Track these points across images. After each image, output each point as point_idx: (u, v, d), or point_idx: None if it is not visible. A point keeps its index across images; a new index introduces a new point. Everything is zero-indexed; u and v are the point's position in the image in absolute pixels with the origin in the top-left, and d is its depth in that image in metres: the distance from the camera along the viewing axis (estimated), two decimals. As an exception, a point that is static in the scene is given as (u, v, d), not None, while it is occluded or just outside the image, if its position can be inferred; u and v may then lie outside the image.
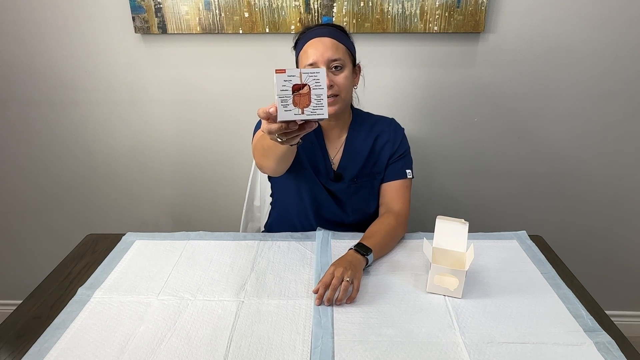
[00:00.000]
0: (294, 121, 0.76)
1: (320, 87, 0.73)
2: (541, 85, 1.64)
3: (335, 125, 1.27)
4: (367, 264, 1.07)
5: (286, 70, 0.71)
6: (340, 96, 1.16)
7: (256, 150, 1.12)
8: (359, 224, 1.28)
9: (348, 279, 0.98)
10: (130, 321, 0.94)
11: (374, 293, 1.02)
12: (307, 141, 1.25)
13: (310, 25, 1.22)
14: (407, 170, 1.28)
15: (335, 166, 1.28)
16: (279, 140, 0.83)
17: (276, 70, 0.73)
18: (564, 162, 1.75)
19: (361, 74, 1.26)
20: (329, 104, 1.12)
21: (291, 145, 0.88)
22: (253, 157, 1.16)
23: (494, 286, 1.04)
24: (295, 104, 0.72)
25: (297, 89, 0.72)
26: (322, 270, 1.09)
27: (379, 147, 1.27)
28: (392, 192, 1.26)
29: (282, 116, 0.72)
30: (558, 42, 1.57)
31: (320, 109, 0.73)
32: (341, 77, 1.15)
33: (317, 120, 0.76)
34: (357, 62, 1.24)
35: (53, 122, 1.74)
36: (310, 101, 0.73)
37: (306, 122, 0.78)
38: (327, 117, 0.75)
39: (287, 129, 0.77)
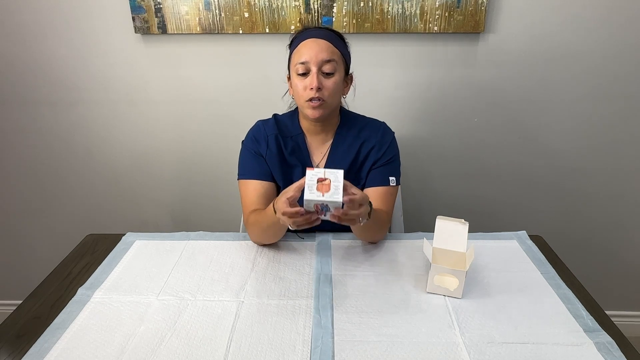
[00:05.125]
0: (314, 212, 0.97)
1: (338, 180, 0.94)
2: (541, 85, 1.64)
3: (321, 131, 1.24)
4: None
5: (314, 168, 0.96)
6: (326, 102, 1.13)
7: (253, 232, 1.20)
8: (346, 227, 1.26)
9: (361, 218, 1.01)
10: (130, 321, 0.94)
11: (374, 293, 1.02)
12: (295, 146, 1.24)
13: (309, 26, 1.19)
14: (391, 178, 1.23)
15: None
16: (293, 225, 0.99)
17: (307, 168, 1.00)
18: (564, 162, 1.75)
19: (352, 84, 1.24)
20: (314, 107, 1.13)
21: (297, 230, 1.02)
22: (247, 233, 1.23)
23: (494, 286, 1.04)
24: (318, 189, 0.94)
25: (320, 180, 0.94)
26: (322, 270, 1.09)
27: (365, 153, 1.24)
28: (374, 199, 1.18)
29: (308, 196, 0.93)
30: (558, 42, 1.57)
31: (336, 196, 0.93)
32: (330, 82, 1.13)
33: (331, 204, 0.95)
34: (350, 72, 1.22)
35: (53, 122, 1.74)
36: (330, 189, 0.93)
37: (317, 216, 0.98)
38: (341, 201, 0.92)
39: (305, 221, 0.97)
